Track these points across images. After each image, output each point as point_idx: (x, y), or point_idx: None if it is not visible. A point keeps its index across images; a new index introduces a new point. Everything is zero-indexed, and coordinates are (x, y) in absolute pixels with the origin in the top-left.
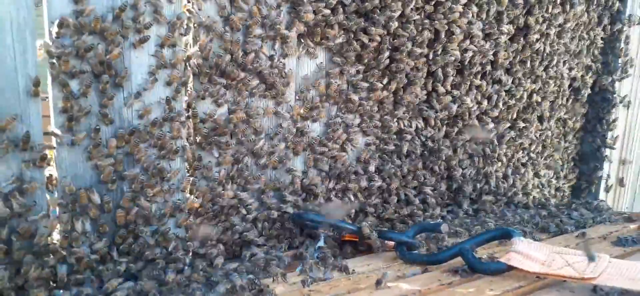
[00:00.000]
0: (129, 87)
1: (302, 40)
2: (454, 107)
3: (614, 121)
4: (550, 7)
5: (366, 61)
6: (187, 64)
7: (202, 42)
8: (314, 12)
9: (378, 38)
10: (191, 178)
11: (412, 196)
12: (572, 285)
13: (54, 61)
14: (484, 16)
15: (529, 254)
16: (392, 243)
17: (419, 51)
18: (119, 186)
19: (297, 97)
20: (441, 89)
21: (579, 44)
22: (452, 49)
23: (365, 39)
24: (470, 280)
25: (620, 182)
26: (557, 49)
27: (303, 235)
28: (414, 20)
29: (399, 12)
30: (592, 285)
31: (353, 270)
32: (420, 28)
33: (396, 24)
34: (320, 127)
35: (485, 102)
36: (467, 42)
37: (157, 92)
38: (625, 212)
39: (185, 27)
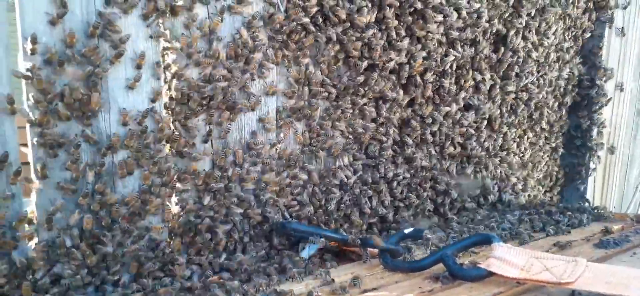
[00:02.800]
0: (107, 103)
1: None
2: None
3: (602, 123)
4: (530, 10)
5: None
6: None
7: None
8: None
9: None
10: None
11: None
12: (551, 290)
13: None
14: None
15: (508, 259)
16: (376, 250)
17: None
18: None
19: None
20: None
21: (563, 47)
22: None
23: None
24: (451, 286)
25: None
26: (540, 52)
27: (287, 245)
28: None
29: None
30: (570, 290)
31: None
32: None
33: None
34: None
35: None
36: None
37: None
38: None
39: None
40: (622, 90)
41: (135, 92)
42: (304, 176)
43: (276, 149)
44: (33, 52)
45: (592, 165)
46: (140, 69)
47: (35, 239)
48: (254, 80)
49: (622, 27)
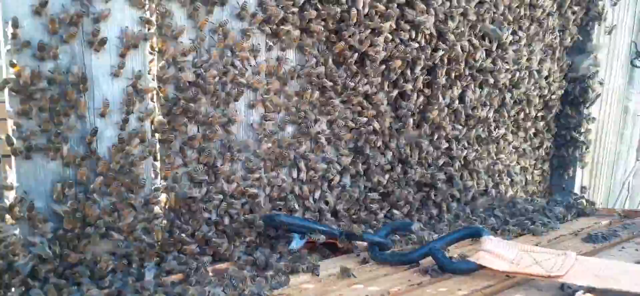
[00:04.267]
0: (91, 92)
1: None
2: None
3: (590, 117)
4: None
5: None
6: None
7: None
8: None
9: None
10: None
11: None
12: (540, 284)
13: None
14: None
15: (498, 253)
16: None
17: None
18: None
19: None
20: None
21: (552, 43)
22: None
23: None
24: (440, 279)
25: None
26: (529, 51)
27: (274, 237)
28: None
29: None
30: (560, 283)
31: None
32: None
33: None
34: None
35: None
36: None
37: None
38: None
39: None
40: (601, 83)
41: (120, 80)
42: (288, 178)
43: (266, 147)
44: (14, 36)
45: (579, 159)
46: (124, 57)
47: (18, 231)
48: (244, 74)
49: (614, 25)
